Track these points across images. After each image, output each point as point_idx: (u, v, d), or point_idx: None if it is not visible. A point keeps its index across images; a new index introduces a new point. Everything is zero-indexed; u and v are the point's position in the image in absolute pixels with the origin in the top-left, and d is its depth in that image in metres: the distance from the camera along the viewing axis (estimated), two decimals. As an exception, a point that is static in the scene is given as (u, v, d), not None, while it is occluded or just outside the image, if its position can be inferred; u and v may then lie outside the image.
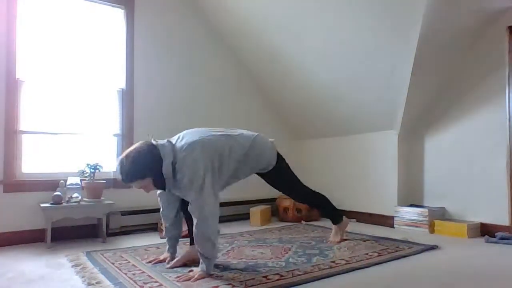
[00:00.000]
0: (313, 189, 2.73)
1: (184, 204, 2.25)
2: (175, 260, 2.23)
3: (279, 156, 2.47)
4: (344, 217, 2.89)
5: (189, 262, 2.22)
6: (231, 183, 2.29)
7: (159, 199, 2.33)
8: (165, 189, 2.07)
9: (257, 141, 2.31)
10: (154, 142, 2.04)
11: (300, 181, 2.64)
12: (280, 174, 2.50)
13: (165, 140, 2.09)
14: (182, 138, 2.09)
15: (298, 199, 2.87)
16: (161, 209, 2.33)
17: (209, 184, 1.98)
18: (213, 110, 3.98)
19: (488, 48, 3.04)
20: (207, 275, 2.00)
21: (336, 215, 2.85)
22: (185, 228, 2.38)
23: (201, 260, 2.02)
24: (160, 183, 2.02)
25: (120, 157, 2.00)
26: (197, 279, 1.95)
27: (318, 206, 2.93)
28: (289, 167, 2.58)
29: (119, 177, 1.99)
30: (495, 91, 2.98)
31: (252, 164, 2.30)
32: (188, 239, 2.36)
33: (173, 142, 2.09)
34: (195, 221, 1.98)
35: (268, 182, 2.57)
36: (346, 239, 2.85)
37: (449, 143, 3.30)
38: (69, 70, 3.26)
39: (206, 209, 1.95)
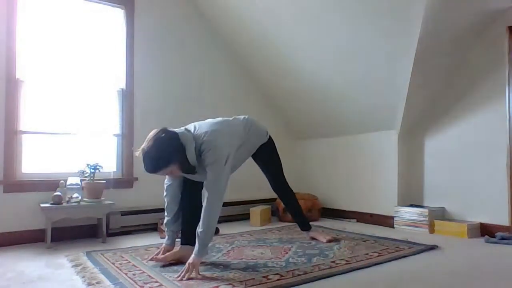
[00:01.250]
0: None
1: (185, 199, 2.35)
2: (163, 256, 2.26)
3: (269, 136, 2.70)
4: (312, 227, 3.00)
5: (176, 261, 2.26)
6: (238, 166, 2.45)
7: (165, 193, 2.40)
8: (193, 172, 2.16)
9: (249, 119, 2.57)
10: (171, 129, 2.13)
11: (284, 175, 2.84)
12: (271, 154, 2.72)
13: (182, 128, 2.21)
14: (198, 128, 2.22)
15: (280, 188, 2.84)
16: (165, 204, 2.40)
17: (227, 168, 2.11)
18: (213, 110, 3.97)
19: (488, 48, 3.04)
20: (199, 260, 2.05)
21: (308, 221, 2.99)
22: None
23: (196, 245, 2.05)
24: (187, 167, 2.10)
25: (142, 147, 2.01)
26: (192, 268, 2.00)
27: (294, 205, 2.91)
28: (278, 154, 2.77)
29: (144, 167, 2.01)
30: (495, 91, 2.98)
31: (254, 138, 2.53)
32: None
33: (191, 130, 2.22)
34: (209, 199, 2.05)
35: (260, 163, 2.73)
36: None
37: (449, 143, 3.30)
38: (69, 70, 3.26)
39: (223, 189, 2.08)
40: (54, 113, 3.18)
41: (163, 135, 2.03)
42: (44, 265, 2.31)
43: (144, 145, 2.01)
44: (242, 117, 2.55)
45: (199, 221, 2.07)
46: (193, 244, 2.11)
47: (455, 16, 2.80)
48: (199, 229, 2.04)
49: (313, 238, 2.92)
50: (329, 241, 2.80)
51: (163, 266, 2.21)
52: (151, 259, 2.32)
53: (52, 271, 2.17)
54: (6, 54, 2.93)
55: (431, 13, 2.66)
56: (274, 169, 2.78)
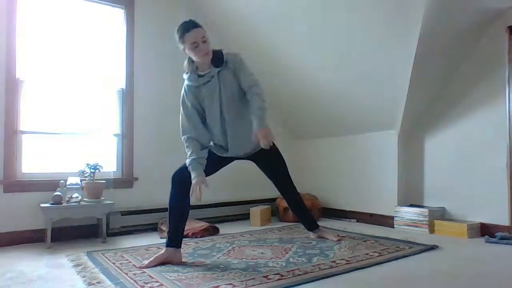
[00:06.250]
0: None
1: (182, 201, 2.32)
2: (148, 261, 2.23)
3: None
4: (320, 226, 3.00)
5: (162, 264, 2.23)
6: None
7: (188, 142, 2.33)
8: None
9: None
10: None
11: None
12: (277, 155, 2.67)
13: None
14: None
15: (288, 190, 2.79)
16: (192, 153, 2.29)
17: None
18: (213, 110, 3.98)
19: (488, 48, 3.04)
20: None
21: (315, 221, 3.02)
22: (188, 227, 2.41)
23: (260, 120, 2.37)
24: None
25: None
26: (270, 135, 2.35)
27: (302, 205, 2.89)
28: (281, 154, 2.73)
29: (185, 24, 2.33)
30: (495, 91, 2.99)
31: None
32: (164, 242, 2.39)
33: None
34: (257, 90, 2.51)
35: (265, 167, 2.67)
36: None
37: (449, 143, 3.30)
38: (69, 70, 3.26)
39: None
40: (54, 113, 3.18)
41: None
42: (44, 265, 2.31)
43: None
44: None
45: (185, 224, 2.30)
46: (179, 247, 2.27)
47: (455, 16, 2.80)
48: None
49: (321, 238, 2.91)
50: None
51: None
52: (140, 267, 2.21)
53: (52, 271, 2.17)
54: (6, 54, 2.93)
55: (431, 13, 2.66)
56: (282, 170, 2.71)
